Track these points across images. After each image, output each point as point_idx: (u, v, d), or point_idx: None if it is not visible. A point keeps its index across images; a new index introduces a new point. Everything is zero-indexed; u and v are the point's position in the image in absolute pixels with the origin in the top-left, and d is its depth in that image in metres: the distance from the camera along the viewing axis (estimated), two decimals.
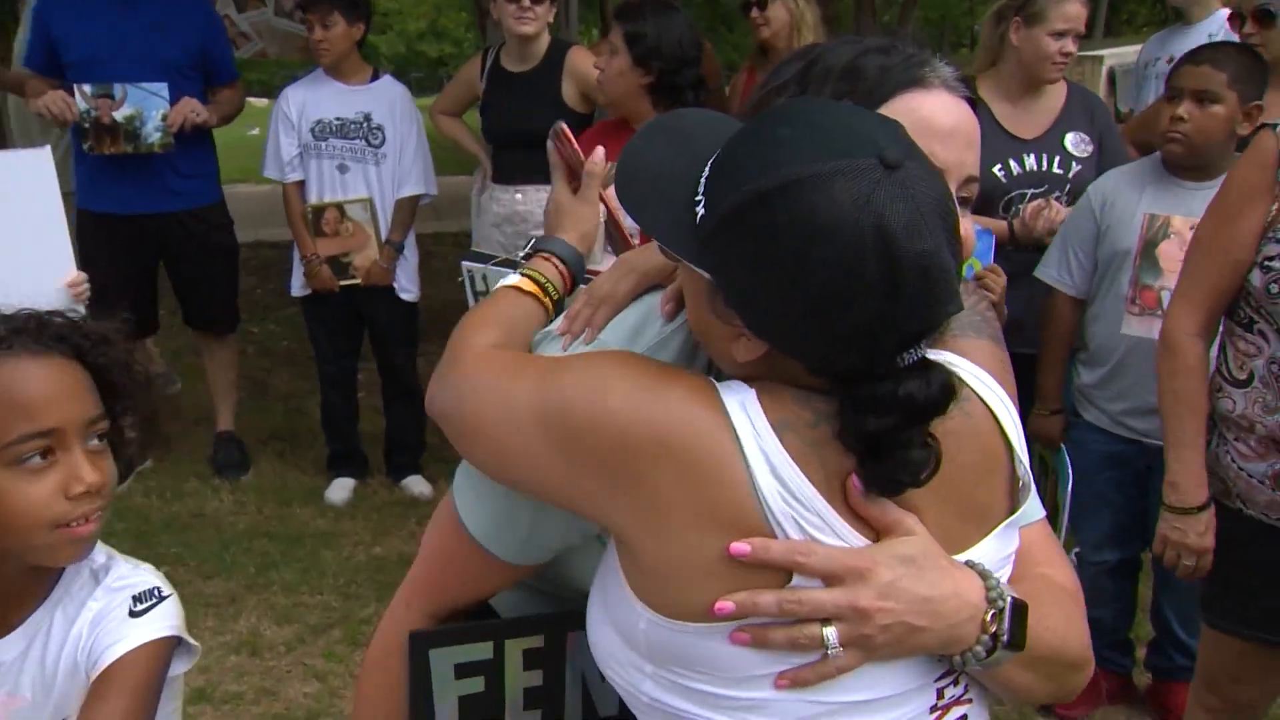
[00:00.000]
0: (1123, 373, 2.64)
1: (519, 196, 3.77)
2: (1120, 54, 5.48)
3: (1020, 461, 1.01)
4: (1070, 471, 2.58)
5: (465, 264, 2.24)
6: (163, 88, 3.75)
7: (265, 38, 5.19)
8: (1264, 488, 1.96)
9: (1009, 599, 0.95)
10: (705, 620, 0.91)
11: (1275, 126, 1.90)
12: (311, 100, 3.90)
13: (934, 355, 0.99)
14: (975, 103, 1.05)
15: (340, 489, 4.11)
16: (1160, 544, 2.08)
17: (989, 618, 0.93)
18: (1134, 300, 2.60)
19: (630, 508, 0.92)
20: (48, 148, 2.76)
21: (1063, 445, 2.76)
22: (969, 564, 0.96)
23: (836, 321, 0.86)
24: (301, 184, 3.93)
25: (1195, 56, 2.54)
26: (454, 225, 7.27)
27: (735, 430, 0.90)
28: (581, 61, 3.70)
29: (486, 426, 1.01)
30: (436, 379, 1.10)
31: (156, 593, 1.27)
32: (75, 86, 3.72)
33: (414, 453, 4.22)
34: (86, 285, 2.75)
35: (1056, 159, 2.98)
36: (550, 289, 1.18)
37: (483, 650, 1.16)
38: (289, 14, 5.39)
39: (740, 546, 0.88)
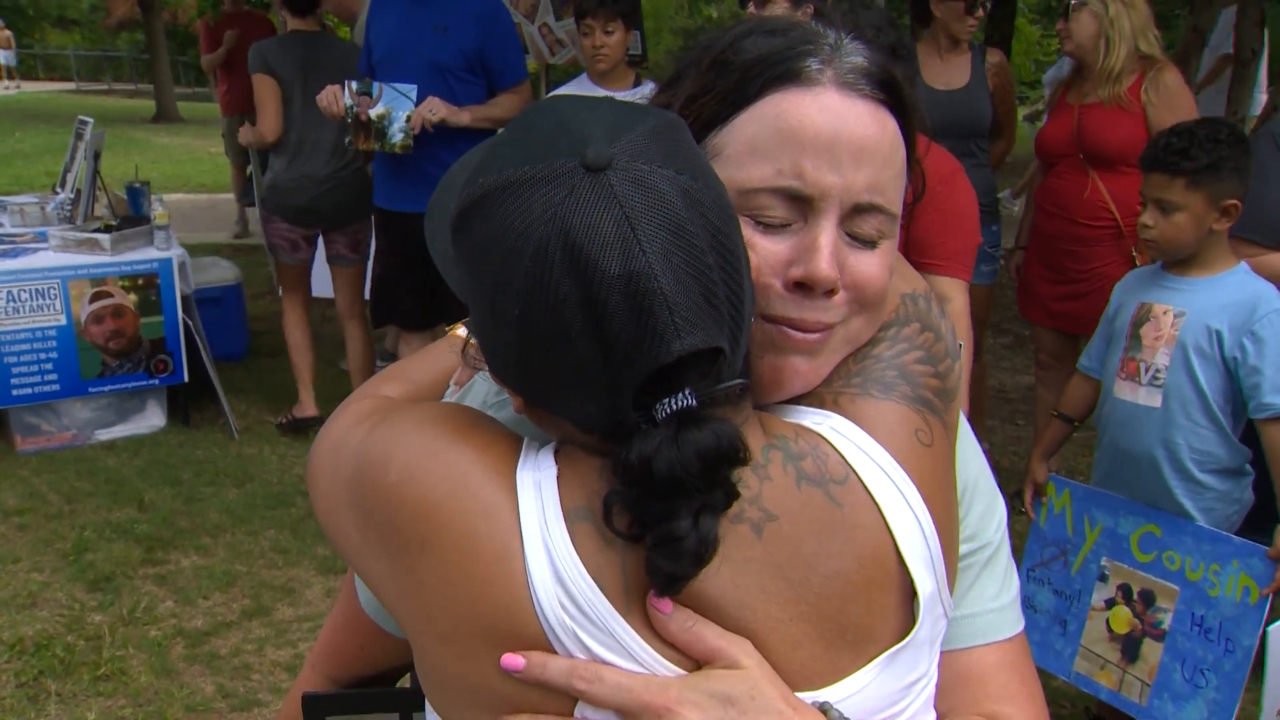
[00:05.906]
0: None
1: None
2: None
3: (911, 569, 0.78)
4: None
5: None
6: (411, 89, 3.78)
7: (578, 45, 5.23)
8: None
9: None
10: None
11: None
12: None
13: (813, 418, 0.80)
14: (900, 107, 0.83)
15: None
16: None
17: None
18: None
19: (403, 597, 0.78)
20: None
21: None
22: (821, 707, 0.75)
23: (551, 361, 0.70)
24: None
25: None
26: None
27: (520, 515, 0.73)
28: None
29: (318, 475, 0.88)
30: None
31: None
32: (345, 82, 3.84)
33: None
34: None
35: None
36: None
37: None
38: None
39: (513, 660, 0.73)
